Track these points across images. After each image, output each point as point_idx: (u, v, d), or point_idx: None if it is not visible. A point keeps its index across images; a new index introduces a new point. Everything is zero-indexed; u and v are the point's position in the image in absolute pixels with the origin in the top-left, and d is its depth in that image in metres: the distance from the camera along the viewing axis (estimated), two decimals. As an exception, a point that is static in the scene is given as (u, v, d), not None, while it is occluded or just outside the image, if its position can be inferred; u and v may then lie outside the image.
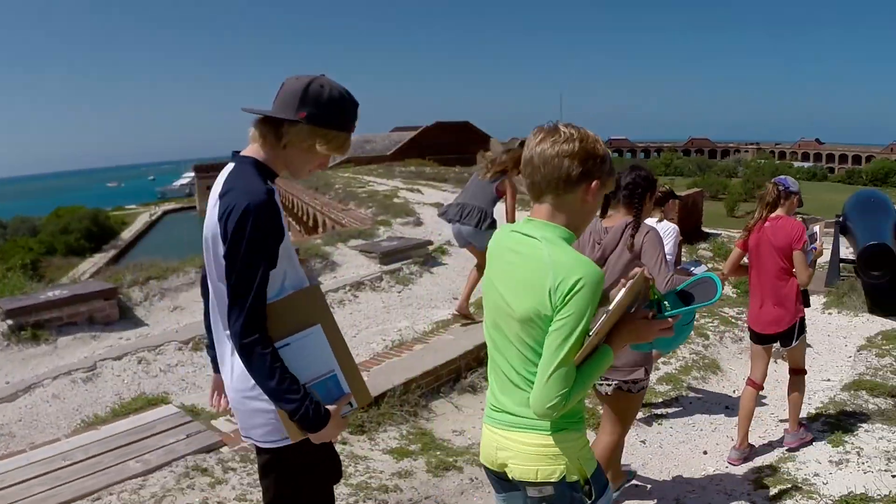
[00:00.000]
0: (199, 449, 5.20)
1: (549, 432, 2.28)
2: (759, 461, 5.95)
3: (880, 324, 11.66)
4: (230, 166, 2.51)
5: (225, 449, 5.28)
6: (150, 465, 4.96)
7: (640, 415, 6.83)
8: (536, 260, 2.23)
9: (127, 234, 79.75)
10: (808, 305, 5.69)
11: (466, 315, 7.90)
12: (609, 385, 4.14)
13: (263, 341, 2.30)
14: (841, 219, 16.00)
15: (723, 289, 2.92)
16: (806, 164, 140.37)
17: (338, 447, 5.48)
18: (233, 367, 2.48)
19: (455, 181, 28.39)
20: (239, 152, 2.56)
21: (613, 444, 4.31)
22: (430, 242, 13.20)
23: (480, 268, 7.44)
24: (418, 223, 15.96)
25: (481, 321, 2.77)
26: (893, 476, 5.44)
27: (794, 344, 5.53)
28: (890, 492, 4.90)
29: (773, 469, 5.79)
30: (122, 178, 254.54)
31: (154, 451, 5.14)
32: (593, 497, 2.35)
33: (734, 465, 5.75)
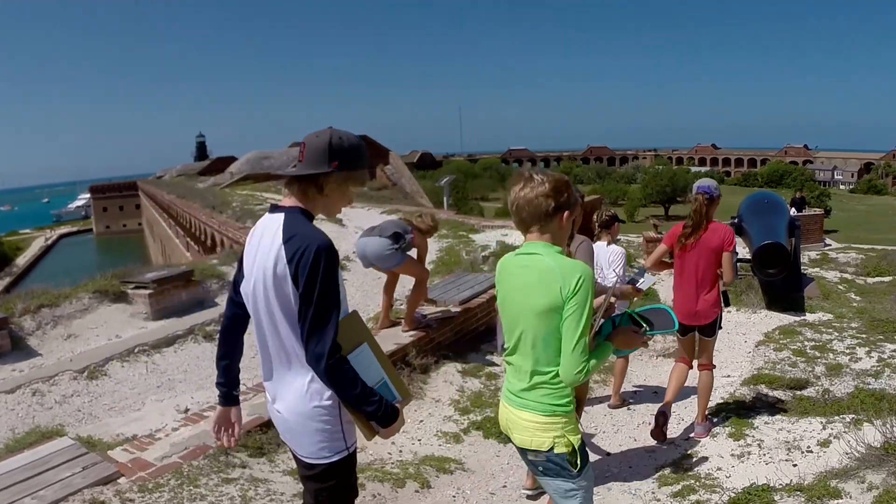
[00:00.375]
0: (97, 481, 5.06)
1: (542, 413, 3.04)
2: (663, 458, 6.09)
3: (778, 319, 12.26)
4: (279, 216, 2.88)
5: (122, 480, 5.14)
6: (46, 501, 4.81)
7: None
8: (544, 267, 3.00)
9: (22, 261, 76.70)
10: (728, 305, 6.33)
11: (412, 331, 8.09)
12: None
13: (344, 359, 2.76)
14: (736, 220, 16.77)
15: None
16: (703, 169, 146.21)
17: (237, 471, 5.30)
18: (296, 391, 2.87)
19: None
20: (277, 205, 2.96)
21: None
22: None
23: (422, 283, 7.77)
24: None
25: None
26: (794, 465, 5.67)
27: (713, 336, 6.18)
28: (791, 480, 5.07)
29: (676, 465, 5.93)
30: (15, 202, 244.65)
31: (50, 487, 5.00)
32: (578, 467, 3.05)
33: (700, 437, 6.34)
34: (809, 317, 11.90)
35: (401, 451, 6.32)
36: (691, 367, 6.42)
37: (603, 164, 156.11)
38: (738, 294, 13.75)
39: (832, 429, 6.14)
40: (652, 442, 6.45)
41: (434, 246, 14.06)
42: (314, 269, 2.71)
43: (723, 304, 6.15)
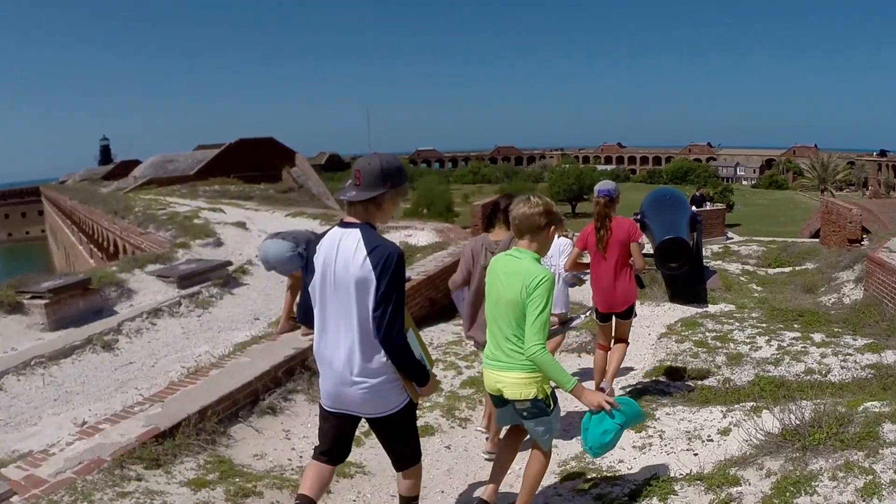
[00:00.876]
0: (-11, 500, 4.73)
1: (526, 371, 4.01)
2: (565, 453, 6.02)
3: (681, 311, 12.47)
4: (355, 231, 3.71)
5: (15, 498, 4.79)
6: (-68, 526, 4.44)
7: (445, 421, 6.90)
8: (519, 269, 4.00)
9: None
10: (642, 287, 7.05)
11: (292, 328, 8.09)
12: None
13: (406, 339, 3.76)
14: (639, 216, 17.11)
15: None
16: (609, 167, 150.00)
17: (132, 484, 5.04)
18: (362, 368, 3.73)
19: (260, 198, 27.90)
20: (347, 221, 3.79)
21: None
22: (230, 263, 12.95)
23: (295, 288, 7.91)
24: (219, 244, 15.53)
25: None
26: (695, 454, 5.69)
27: (629, 319, 6.94)
28: (691, 470, 5.08)
29: (578, 460, 5.87)
30: None
31: (-59, 509, 4.63)
32: (551, 407, 4.16)
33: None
34: (712, 308, 12.17)
35: (300, 457, 6.11)
36: (608, 350, 7.05)
37: (511, 163, 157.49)
38: (641, 288, 14.07)
39: (732, 417, 6.21)
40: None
41: None
42: (395, 273, 3.65)
43: (639, 287, 7.02)
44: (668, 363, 8.43)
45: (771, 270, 19.19)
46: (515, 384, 4.07)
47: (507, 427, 4.66)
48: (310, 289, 3.84)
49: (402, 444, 4.04)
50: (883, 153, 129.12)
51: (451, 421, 6.97)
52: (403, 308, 3.71)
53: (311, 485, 3.98)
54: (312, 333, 3.96)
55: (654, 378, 8.03)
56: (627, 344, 7.21)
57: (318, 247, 3.82)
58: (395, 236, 15.41)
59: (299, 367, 7.28)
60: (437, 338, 9.43)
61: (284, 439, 6.36)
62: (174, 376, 7.95)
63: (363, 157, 3.83)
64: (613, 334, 7.05)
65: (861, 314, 10.21)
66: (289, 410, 6.73)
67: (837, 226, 19.57)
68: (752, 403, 6.49)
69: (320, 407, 4.06)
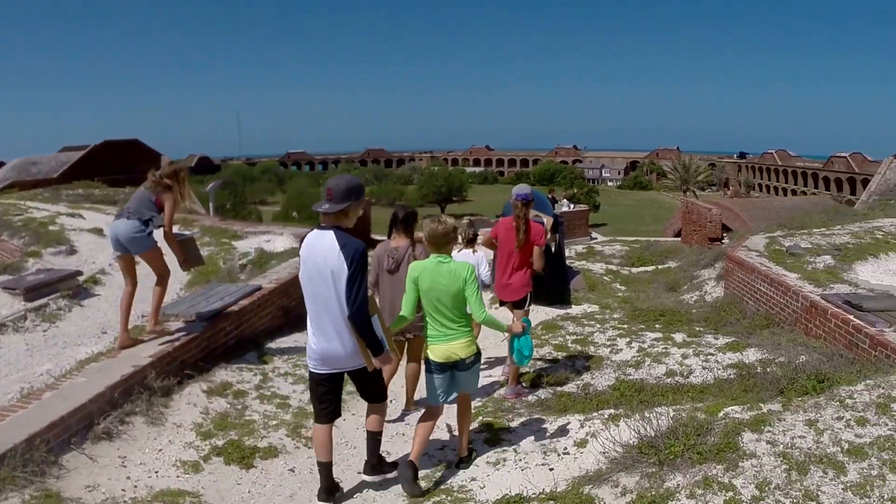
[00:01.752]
0: None
1: (467, 337, 5.44)
2: (421, 472, 5.58)
3: (543, 313, 12.25)
4: (330, 232, 4.93)
5: None
6: None
7: (290, 441, 6.47)
8: (451, 269, 5.34)
9: None
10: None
11: (160, 331, 7.77)
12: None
13: (369, 314, 4.98)
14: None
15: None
16: (477, 169, 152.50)
17: None
18: (341, 337, 4.99)
19: (124, 202, 26.22)
20: (322, 226, 5.00)
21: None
22: (80, 273, 11.91)
23: (164, 273, 7.54)
24: (72, 252, 14.28)
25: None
26: (551, 469, 5.37)
27: (524, 308, 7.70)
28: (545, 488, 4.73)
29: (429, 479, 5.47)
30: None
31: None
32: (480, 359, 5.66)
33: (511, 398, 7.44)
34: (575, 309, 12.07)
35: (135, 487, 5.47)
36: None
37: (381, 165, 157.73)
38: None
39: (590, 426, 5.95)
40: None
41: None
42: (360, 262, 4.85)
43: (532, 283, 7.82)
44: (527, 369, 8.14)
45: (634, 269, 19.51)
46: (464, 346, 5.45)
47: (424, 411, 5.76)
48: (300, 279, 5.14)
49: (373, 385, 5.40)
50: (742, 155, 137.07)
51: (297, 441, 6.46)
52: (367, 288, 4.97)
53: (325, 450, 5.27)
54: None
55: (512, 386, 7.71)
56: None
57: (301, 246, 5.14)
58: (254, 241, 14.56)
59: (138, 387, 6.57)
60: (287, 350, 8.83)
61: (120, 467, 5.69)
62: (13, 399, 7.04)
63: (333, 178, 5.14)
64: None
65: (722, 312, 10.30)
66: (126, 435, 6.16)
67: (698, 225, 20.17)
68: (610, 411, 6.26)
69: (311, 375, 5.27)
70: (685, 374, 7.61)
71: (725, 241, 19.10)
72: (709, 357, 8.02)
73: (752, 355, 7.96)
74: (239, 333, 8.55)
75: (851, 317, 7.40)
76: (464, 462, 5.75)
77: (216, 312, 8.29)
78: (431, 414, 5.61)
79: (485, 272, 8.35)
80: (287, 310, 9.99)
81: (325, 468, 5.23)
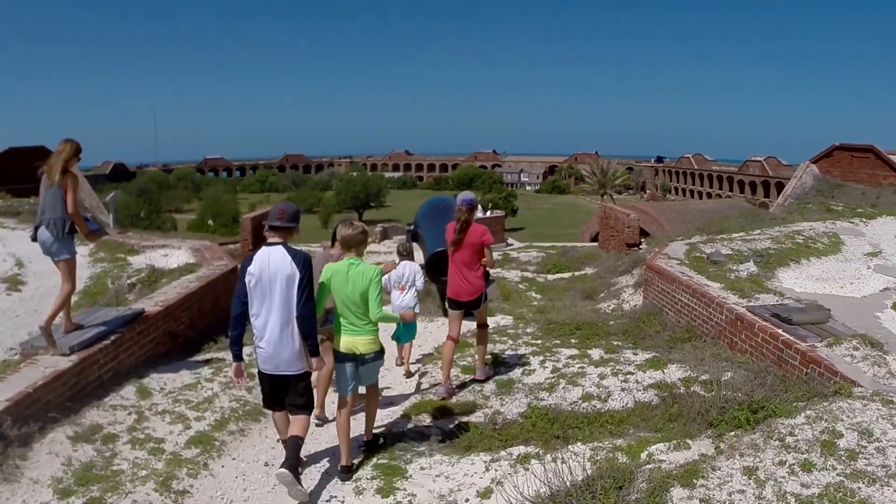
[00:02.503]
0: None
1: (370, 335, 5.93)
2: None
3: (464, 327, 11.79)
4: (279, 246, 5.68)
5: None
6: None
7: (158, 496, 5.66)
8: (360, 270, 5.86)
9: None
10: (490, 281, 8.26)
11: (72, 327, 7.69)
12: None
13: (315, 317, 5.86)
14: (412, 227, 16.29)
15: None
16: (397, 174, 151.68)
17: None
18: (287, 339, 5.63)
19: (29, 213, 24.62)
20: (271, 241, 5.74)
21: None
22: None
23: (71, 281, 7.40)
24: None
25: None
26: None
27: (482, 307, 7.99)
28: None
29: None
30: None
31: None
32: (382, 356, 6.17)
33: (445, 398, 7.54)
34: (489, 321, 11.37)
35: None
36: (456, 343, 8.04)
37: (299, 171, 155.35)
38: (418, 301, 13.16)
39: (497, 469, 5.21)
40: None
41: (86, 272, 12.05)
42: (309, 269, 5.67)
43: (486, 280, 8.08)
44: (431, 396, 7.40)
45: (550, 276, 19.04)
46: (365, 343, 5.90)
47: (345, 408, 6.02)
48: (248, 288, 5.62)
49: (305, 395, 5.85)
50: (660, 159, 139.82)
51: (166, 496, 5.59)
52: (313, 291, 5.70)
53: (283, 427, 5.99)
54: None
55: (413, 416, 6.96)
56: (488, 326, 8.58)
57: (250, 262, 5.66)
58: (151, 256, 13.38)
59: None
60: (170, 381, 7.89)
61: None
62: None
63: (283, 202, 6.02)
64: (477, 320, 8.14)
65: (641, 324, 9.75)
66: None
67: (615, 230, 19.79)
68: (520, 449, 5.54)
69: (261, 374, 5.87)
70: (603, 397, 6.96)
71: (643, 246, 18.75)
72: (628, 377, 7.39)
73: (674, 373, 7.38)
74: (116, 366, 7.64)
75: (780, 331, 6.89)
76: (369, 445, 6.32)
77: (88, 343, 7.30)
78: (343, 404, 6.03)
79: (419, 281, 9.34)
80: (174, 335, 9.07)
81: (285, 443, 5.84)
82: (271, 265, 5.53)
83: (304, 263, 5.58)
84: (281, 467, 5.47)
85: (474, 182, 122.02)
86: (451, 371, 7.92)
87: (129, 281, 11.65)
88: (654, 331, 9.32)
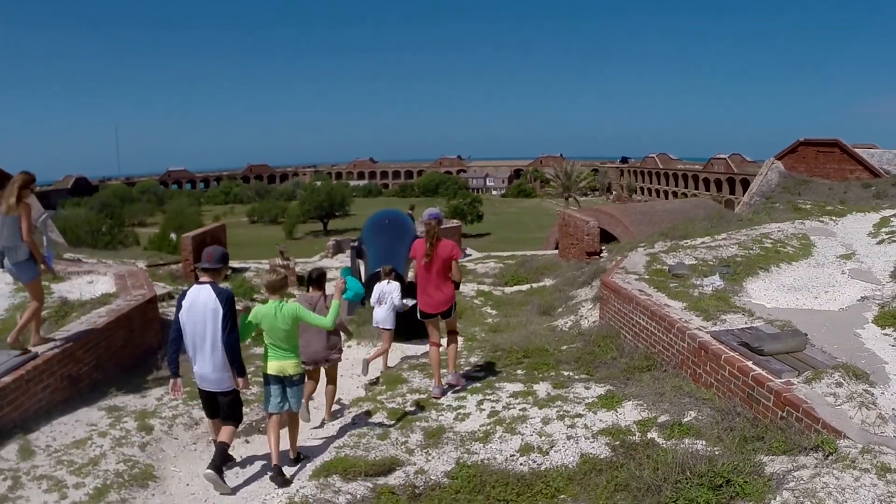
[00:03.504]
0: None
1: (295, 360, 6.73)
2: None
3: (399, 351, 10.96)
4: (207, 286, 6.35)
5: None
6: None
7: None
8: (285, 311, 6.55)
9: None
10: (458, 289, 8.65)
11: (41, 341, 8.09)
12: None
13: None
14: (357, 244, 15.24)
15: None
16: (362, 182, 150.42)
17: None
18: (215, 363, 6.33)
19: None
20: (201, 281, 6.45)
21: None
22: None
23: (38, 299, 8.07)
24: None
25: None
26: None
27: (452, 316, 8.35)
28: None
29: None
30: None
31: None
32: (304, 379, 7.05)
33: (438, 397, 7.89)
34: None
35: None
36: (440, 347, 8.35)
37: (264, 182, 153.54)
38: (359, 325, 12.14)
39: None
40: None
41: (4, 302, 11.10)
42: (231, 304, 6.35)
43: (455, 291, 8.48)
44: (348, 451, 6.34)
45: (508, 289, 18.04)
46: (292, 366, 6.68)
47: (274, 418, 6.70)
48: (181, 320, 6.41)
49: (231, 408, 6.60)
50: (625, 160, 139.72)
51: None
52: (236, 323, 6.46)
53: (216, 431, 6.70)
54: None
55: (322, 479, 5.89)
56: (457, 334, 8.93)
57: (184, 297, 6.45)
58: (75, 283, 12.17)
59: None
60: (60, 436, 6.87)
61: None
62: None
63: (210, 247, 6.73)
64: (445, 329, 8.52)
65: (597, 348, 8.75)
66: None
67: (575, 238, 18.82)
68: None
69: (199, 390, 6.66)
70: (545, 448, 5.94)
71: (604, 254, 17.80)
72: (576, 420, 6.39)
73: (629, 413, 6.42)
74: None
75: (750, 363, 5.87)
76: (292, 462, 6.76)
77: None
78: (273, 421, 6.72)
79: (397, 297, 10.29)
80: (76, 378, 8.03)
81: (215, 443, 6.59)
82: (200, 300, 6.33)
83: (228, 300, 6.39)
84: (207, 468, 6.28)
85: (440, 188, 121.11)
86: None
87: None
88: (611, 357, 8.32)
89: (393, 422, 7.01)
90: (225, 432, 6.46)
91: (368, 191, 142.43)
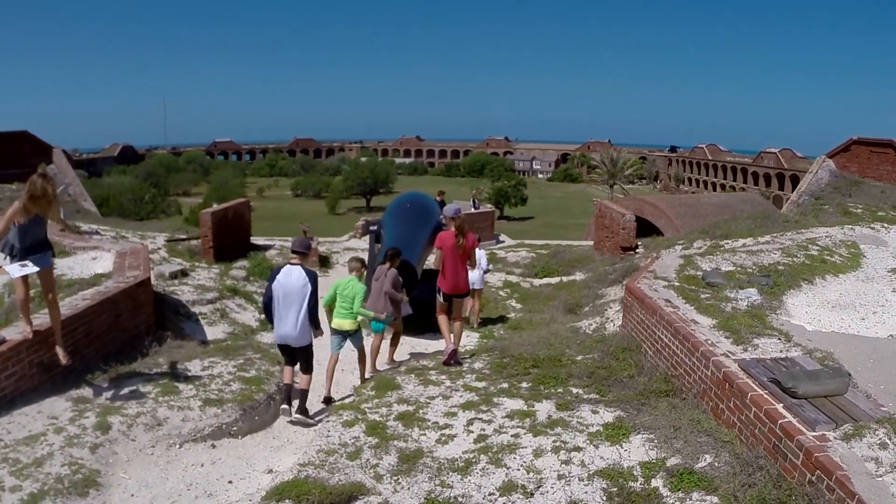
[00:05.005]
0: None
1: (351, 319, 9.05)
2: None
3: (409, 346, 10.71)
4: (297, 266, 8.05)
5: None
6: None
7: None
8: (354, 285, 9.19)
9: None
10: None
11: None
12: None
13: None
14: (376, 227, 14.45)
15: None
16: (407, 160, 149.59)
17: None
18: (298, 325, 7.94)
19: (9, 200, 23.39)
20: (292, 262, 8.14)
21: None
22: None
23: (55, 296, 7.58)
24: None
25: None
26: None
27: (464, 298, 10.02)
28: None
29: None
30: None
31: None
32: (361, 331, 9.38)
33: (450, 364, 9.05)
34: (439, 344, 10.11)
35: None
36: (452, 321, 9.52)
37: (309, 156, 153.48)
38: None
39: None
40: None
41: (3, 277, 10.63)
42: (315, 282, 8.01)
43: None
44: (312, 471, 5.56)
45: (537, 281, 17.22)
46: (349, 323, 8.88)
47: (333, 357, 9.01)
48: (274, 290, 7.97)
49: (306, 360, 8.18)
50: (673, 149, 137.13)
51: None
52: (317, 294, 8.06)
53: (290, 376, 8.20)
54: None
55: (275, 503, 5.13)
56: (461, 320, 9.92)
57: (278, 272, 8.08)
58: (78, 259, 11.63)
59: None
60: (15, 429, 6.43)
61: None
62: None
63: (299, 238, 9.66)
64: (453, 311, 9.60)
65: (614, 361, 7.84)
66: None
67: (610, 231, 17.82)
68: None
69: (279, 346, 8.23)
70: (529, 489, 5.09)
71: (640, 250, 16.79)
72: (572, 455, 5.52)
73: (635, 450, 5.55)
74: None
75: (780, 407, 4.92)
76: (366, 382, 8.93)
77: None
78: (332, 360, 8.95)
79: (485, 262, 13.46)
80: (48, 366, 7.39)
81: (287, 388, 8.16)
82: (292, 276, 7.98)
83: (314, 278, 8.05)
84: (295, 413, 7.96)
85: (485, 169, 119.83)
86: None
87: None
88: (628, 374, 7.40)
89: (369, 438, 6.21)
90: (304, 381, 8.22)
91: (414, 169, 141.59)
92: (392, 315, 9.70)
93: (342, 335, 8.95)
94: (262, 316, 12.03)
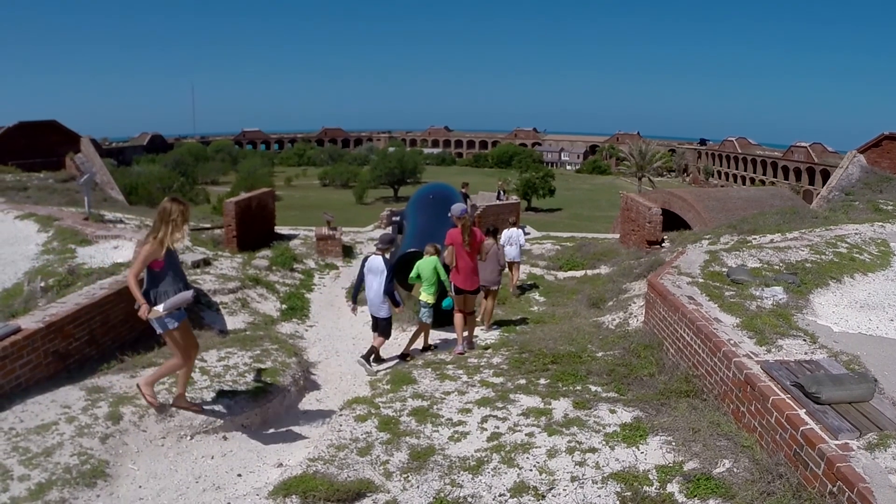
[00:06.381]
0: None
1: (430, 292, 10.09)
2: None
3: (437, 336, 10.71)
4: (379, 256, 9.86)
5: None
6: None
7: None
8: (433, 263, 10.17)
9: None
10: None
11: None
12: None
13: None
14: (398, 218, 14.33)
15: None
16: (436, 151, 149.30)
17: None
18: (378, 300, 9.77)
19: (37, 188, 23.70)
20: (375, 253, 9.96)
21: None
22: None
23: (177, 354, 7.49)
24: None
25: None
26: None
27: (479, 291, 10.72)
28: None
29: None
30: None
31: None
32: (430, 308, 10.23)
33: (462, 353, 9.71)
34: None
35: None
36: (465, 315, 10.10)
37: (337, 145, 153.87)
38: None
39: None
40: None
41: (26, 265, 10.91)
42: (391, 269, 9.80)
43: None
44: (320, 467, 5.46)
45: (561, 274, 16.99)
46: (428, 295, 9.89)
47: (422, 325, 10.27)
48: (364, 272, 9.82)
49: (383, 329, 9.84)
50: (703, 142, 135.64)
51: None
52: (393, 278, 9.74)
53: (374, 340, 9.88)
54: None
55: (280, 498, 5.04)
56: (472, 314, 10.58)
57: (367, 259, 9.87)
58: (100, 248, 11.68)
59: None
60: (28, 418, 6.33)
61: None
62: None
63: (382, 233, 12.54)
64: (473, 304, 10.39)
65: (636, 359, 7.67)
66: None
67: (636, 224, 17.56)
68: None
69: (372, 315, 9.93)
70: (541, 491, 4.95)
71: (666, 244, 16.54)
72: (587, 457, 5.37)
73: (652, 452, 5.39)
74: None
75: (802, 412, 4.72)
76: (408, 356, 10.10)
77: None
78: (420, 326, 10.29)
79: (523, 240, 15.28)
80: (63, 355, 7.40)
81: (370, 348, 9.86)
82: (374, 263, 9.70)
83: (390, 267, 9.67)
84: (360, 357, 9.69)
85: (513, 160, 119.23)
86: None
87: (41, 284, 9.88)
88: (648, 373, 7.22)
89: (381, 434, 6.10)
90: (377, 340, 9.84)
91: (442, 159, 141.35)
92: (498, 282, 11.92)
93: (430, 308, 10.02)
94: (283, 306, 12.15)
